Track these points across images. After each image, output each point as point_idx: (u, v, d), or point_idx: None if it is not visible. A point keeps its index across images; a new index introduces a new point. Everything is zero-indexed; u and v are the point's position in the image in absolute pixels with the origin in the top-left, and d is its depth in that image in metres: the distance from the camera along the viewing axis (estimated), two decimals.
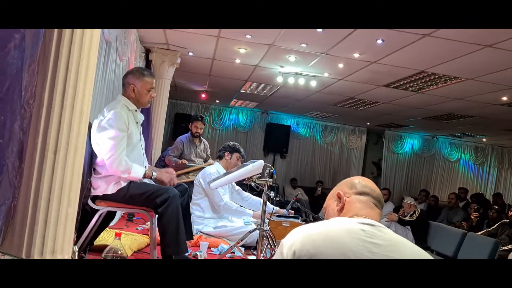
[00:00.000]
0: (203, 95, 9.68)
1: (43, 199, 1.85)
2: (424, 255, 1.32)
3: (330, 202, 1.53)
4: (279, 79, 6.89)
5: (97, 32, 2.01)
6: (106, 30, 3.64)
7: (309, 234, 1.30)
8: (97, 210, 2.97)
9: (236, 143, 4.68)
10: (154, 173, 2.89)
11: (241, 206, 4.66)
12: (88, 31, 1.92)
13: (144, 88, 2.94)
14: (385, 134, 12.16)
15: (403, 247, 1.30)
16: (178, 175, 5.28)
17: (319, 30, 4.57)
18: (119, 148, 2.73)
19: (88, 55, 1.95)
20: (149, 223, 4.71)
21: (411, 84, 6.47)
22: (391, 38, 4.55)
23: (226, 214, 4.52)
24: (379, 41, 4.69)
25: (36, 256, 1.80)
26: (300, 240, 1.28)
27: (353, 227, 1.31)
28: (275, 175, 3.19)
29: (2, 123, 1.66)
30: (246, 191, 4.85)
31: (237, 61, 6.39)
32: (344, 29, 4.48)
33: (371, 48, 4.99)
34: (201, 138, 6.13)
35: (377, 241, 1.27)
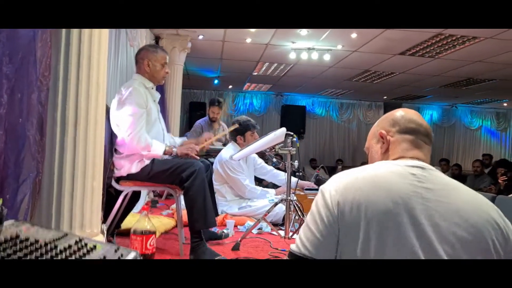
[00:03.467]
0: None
1: (68, 173, 1.82)
2: (481, 198, 1.18)
3: (372, 142, 1.36)
4: (292, 56, 6.78)
5: None
6: None
7: (354, 181, 1.15)
8: (121, 193, 2.95)
9: (241, 119, 4.39)
10: (174, 149, 2.84)
11: (264, 184, 4.60)
12: None
13: (159, 62, 2.90)
14: (403, 107, 11.96)
15: (457, 190, 1.16)
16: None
17: None
18: (139, 125, 2.69)
19: None
20: (173, 206, 4.73)
21: (428, 49, 6.31)
22: None
23: (250, 197, 4.44)
24: None
25: (65, 230, 1.77)
26: (343, 188, 1.13)
27: (402, 171, 1.16)
28: (298, 143, 3.11)
29: (19, 95, 1.62)
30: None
31: (248, 40, 6.30)
32: None
33: None
34: (220, 122, 6.12)
35: (428, 185, 1.13)
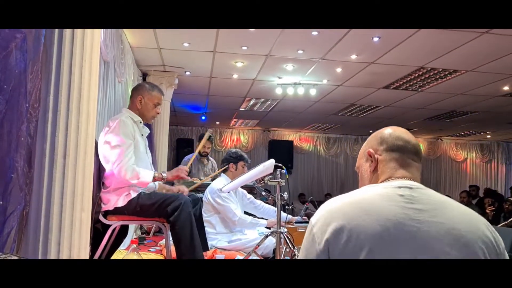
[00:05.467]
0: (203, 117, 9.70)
1: (56, 205, 1.79)
2: (471, 214, 1.15)
3: (362, 161, 1.35)
4: (278, 91, 6.89)
5: (97, 32, 1.98)
6: (103, 49, 3.63)
7: (341, 207, 1.14)
8: (109, 227, 2.89)
9: (237, 150, 4.52)
10: (163, 174, 2.82)
11: (254, 216, 4.56)
12: (88, 31, 1.89)
13: (151, 102, 2.93)
14: None
15: (448, 208, 1.13)
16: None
17: (314, 33, 4.58)
18: (126, 156, 2.67)
19: (91, 56, 1.92)
20: (161, 242, 4.65)
21: (411, 83, 6.46)
22: (387, 34, 4.55)
23: (241, 228, 4.41)
24: (376, 39, 4.68)
25: None
26: (330, 217, 1.12)
27: (389, 193, 1.15)
28: (287, 175, 3.11)
29: (9, 127, 1.61)
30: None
31: (235, 76, 6.39)
32: (340, 30, 4.48)
33: (368, 47, 4.98)
34: (209, 157, 6.13)
35: (418, 206, 1.11)
